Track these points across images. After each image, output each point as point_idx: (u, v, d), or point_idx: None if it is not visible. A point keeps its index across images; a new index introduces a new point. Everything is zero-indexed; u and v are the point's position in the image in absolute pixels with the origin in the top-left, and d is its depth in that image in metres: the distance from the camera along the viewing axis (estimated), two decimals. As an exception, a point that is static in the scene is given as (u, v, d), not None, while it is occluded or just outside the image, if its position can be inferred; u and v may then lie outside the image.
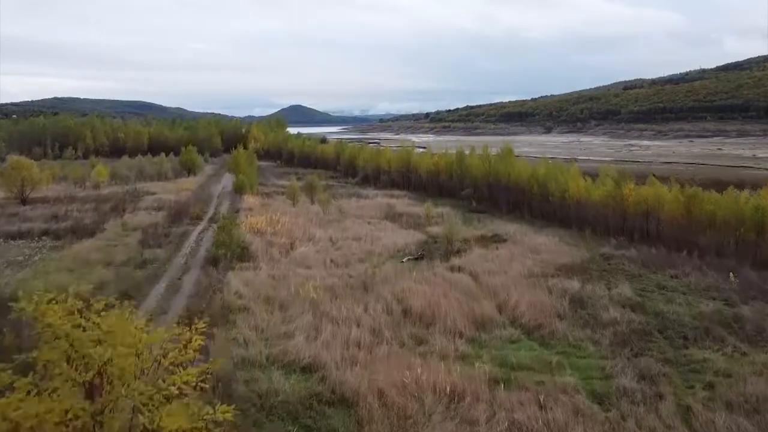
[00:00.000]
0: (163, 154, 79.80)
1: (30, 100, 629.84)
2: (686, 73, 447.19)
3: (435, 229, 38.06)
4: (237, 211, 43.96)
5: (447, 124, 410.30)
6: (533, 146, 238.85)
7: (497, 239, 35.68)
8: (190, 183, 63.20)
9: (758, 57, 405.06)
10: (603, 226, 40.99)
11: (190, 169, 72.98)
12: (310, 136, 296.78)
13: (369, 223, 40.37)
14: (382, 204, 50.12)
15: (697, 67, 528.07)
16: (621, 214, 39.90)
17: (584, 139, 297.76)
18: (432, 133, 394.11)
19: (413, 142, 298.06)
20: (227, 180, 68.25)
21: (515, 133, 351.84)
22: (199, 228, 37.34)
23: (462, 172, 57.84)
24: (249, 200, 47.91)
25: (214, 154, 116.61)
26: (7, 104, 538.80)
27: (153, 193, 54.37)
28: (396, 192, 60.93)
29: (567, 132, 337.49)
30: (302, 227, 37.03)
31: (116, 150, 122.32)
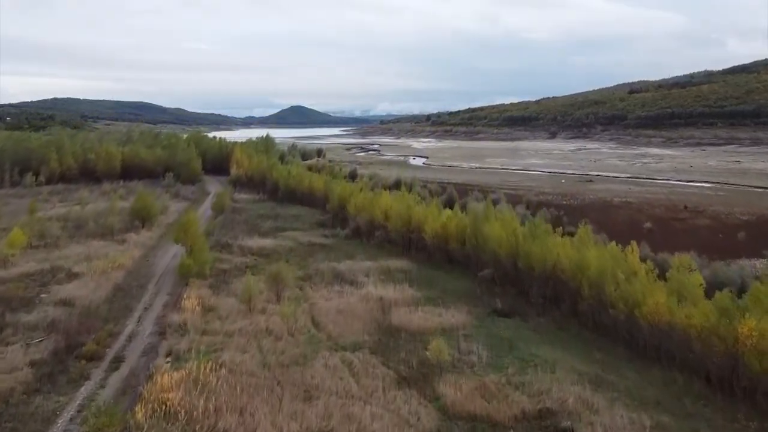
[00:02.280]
0: (113, 199, 65.43)
1: (29, 100, 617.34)
2: (692, 76, 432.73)
3: (451, 391, 24.05)
4: (163, 333, 30.02)
5: (449, 127, 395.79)
6: (539, 155, 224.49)
7: (553, 429, 21.69)
8: (133, 249, 49.17)
9: (765, 60, 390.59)
10: (698, 366, 27.00)
11: (144, 220, 58.93)
12: (310, 141, 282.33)
13: (351, 365, 26.27)
14: (372, 301, 35.98)
15: (701, 69, 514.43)
16: (731, 360, 25.68)
17: (591, 146, 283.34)
18: (433, 138, 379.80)
19: (414, 148, 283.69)
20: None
21: (518, 138, 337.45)
22: (81, 395, 23.23)
23: (478, 243, 43.80)
24: (190, 303, 33.81)
25: (192, 179, 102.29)
26: (4, 105, 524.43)
27: (71, 277, 40.22)
28: (393, 261, 46.82)
29: (572, 138, 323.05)
30: (242, 391, 23.05)
31: (86, 173, 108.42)
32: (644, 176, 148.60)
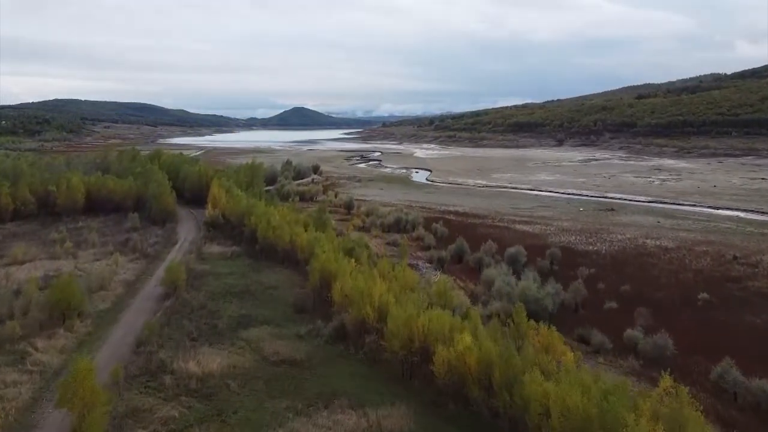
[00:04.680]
0: (31, 282, 50.18)
1: (31, 101, 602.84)
2: (700, 80, 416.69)
3: None
4: None
5: (452, 133, 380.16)
6: (548, 168, 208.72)
7: None
8: (24, 383, 34.30)
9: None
10: None
11: (66, 315, 44.08)
12: (310, 147, 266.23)
13: None
14: None
15: (707, 71, 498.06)
16: None
17: (600, 155, 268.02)
18: (436, 144, 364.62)
19: (416, 157, 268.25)
20: (116, 350, 39.54)
21: (524, 146, 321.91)
22: None
23: (514, 402, 28.77)
24: None
25: (164, 218, 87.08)
26: (5, 107, 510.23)
27: None
28: (387, 411, 31.77)
29: (580, 145, 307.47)
30: None
31: (46, 206, 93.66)
32: (668, 200, 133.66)
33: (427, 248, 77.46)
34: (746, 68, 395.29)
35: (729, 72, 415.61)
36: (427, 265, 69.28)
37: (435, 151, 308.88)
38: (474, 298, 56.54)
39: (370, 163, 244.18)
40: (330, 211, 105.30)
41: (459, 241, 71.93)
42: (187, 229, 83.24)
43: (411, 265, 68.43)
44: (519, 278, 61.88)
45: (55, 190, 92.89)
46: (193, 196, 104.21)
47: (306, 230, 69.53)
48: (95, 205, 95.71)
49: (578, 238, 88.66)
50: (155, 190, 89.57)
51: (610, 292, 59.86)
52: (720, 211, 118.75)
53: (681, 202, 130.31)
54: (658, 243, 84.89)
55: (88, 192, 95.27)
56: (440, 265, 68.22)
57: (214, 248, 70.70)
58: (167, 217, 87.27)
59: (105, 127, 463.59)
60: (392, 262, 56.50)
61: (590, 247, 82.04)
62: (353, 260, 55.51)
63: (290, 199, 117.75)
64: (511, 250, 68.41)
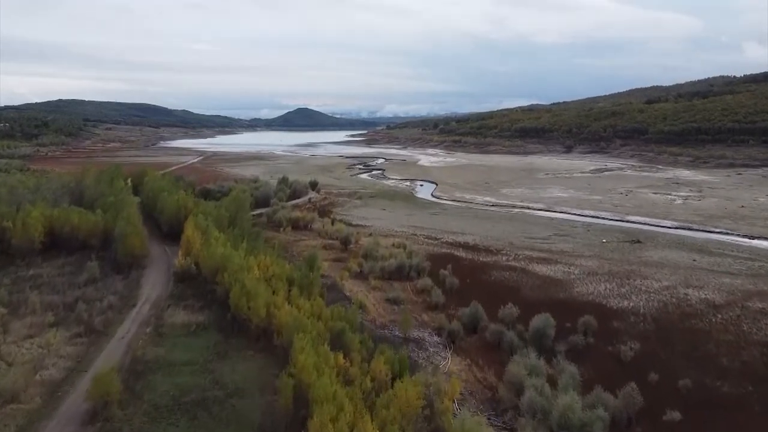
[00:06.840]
0: None
1: (35, 102, 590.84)
2: (711, 84, 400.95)
3: None
4: None
5: (458, 137, 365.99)
6: (560, 182, 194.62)
7: None
8: None
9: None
10: None
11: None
12: (311, 153, 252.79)
13: None
14: None
15: (714, 73, 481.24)
16: None
17: (611, 164, 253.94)
18: (441, 149, 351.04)
19: (421, 166, 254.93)
20: None
21: (532, 152, 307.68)
22: None
23: None
24: None
25: (130, 262, 73.83)
26: (8, 107, 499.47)
27: None
28: None
29: (589, 152, 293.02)
30: None
31: (1, 244, 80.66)
32: (696, 225, 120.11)
33: (435, 307, 64.45)
34: (757, 71, 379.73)
35: (739, 74, 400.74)
36: (436, 338, 56.09)
37: (440, 158, 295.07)
38: (497, 405, 43.41)
39: (373, 172, 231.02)
40: (324, 247, 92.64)
41: (473, 307, 58.70)
42: (155, 279, 70.08)
43: (415, 341, 55.70)
44: (548, 361, 49.22)
45: (11, 227, 79.79)
46: (171, 229, 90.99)
47: (290, 290, 57.11)
48: (58, 243, 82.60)
49: (609, 286, 75.26)
50: (123, 229, 76.37)
51: (666, 390, 46.72)
52: (757, 242, 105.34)
53: (711, 229, 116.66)
54: (702, 295, 71.36)
55: (51, 227, 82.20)
56: (451, 340, 55.04)
57: (179, 316, 57.48)
58: (134, 262, 74.11)
59: (107, 129, 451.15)
60: (392, 353, 43.59)
61: (625, 303, 68.64)
62: (341, 354, 42.89)
63: (282, 229, 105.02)
64: (537, 322, 55.15)
